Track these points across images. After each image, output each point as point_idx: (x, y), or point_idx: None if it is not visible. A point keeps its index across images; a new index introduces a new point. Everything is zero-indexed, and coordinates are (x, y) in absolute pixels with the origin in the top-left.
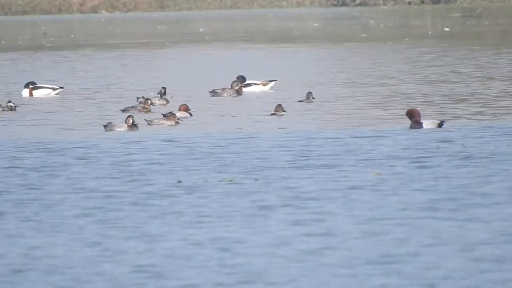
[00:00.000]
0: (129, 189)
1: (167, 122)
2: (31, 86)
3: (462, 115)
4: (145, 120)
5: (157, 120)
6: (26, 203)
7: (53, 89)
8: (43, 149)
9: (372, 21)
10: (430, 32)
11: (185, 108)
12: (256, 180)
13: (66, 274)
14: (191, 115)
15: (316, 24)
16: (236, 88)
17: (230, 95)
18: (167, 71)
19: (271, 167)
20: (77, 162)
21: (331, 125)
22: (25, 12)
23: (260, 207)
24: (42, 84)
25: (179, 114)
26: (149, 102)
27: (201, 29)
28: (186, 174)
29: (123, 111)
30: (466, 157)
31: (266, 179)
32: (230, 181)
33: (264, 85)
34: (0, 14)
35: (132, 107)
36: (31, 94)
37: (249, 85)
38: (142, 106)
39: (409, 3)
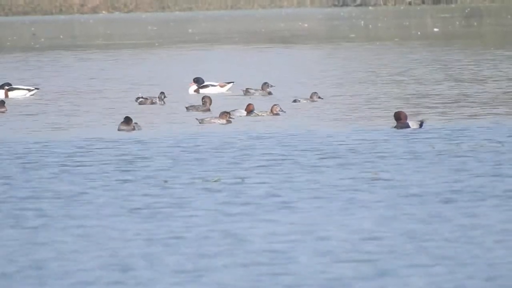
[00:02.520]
0: (109, 188)
1: (219, 121)
2: (6, 87)
3: (447, 115)
4: (197, 119)
5: (208, 119)
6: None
7: (29, 90)
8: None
9: (362, 22)
10: (419, 33)
11: (251, 109)
12: (242, 180)
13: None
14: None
15: (306, 25)
16: (267, 89)
17: (260, 94)
18: (148, 71)
19: (265, 166)
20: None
21: (316, 126)
22: (25, 13)
23: (248, 205)
24: (17, 85)
25: (239, 113)
26: (208, 100)
27: (190, 30)
28: (180, 173)
29: (187, 108)
30: (459, 156)
31: (260, 178)
32: (216, 181)
33: (221, 86)
34: (1, 14)
35: (192, 106)
36: (6, 95)
37: (206, 86)
38: (203, 105)
39: (410, 3)
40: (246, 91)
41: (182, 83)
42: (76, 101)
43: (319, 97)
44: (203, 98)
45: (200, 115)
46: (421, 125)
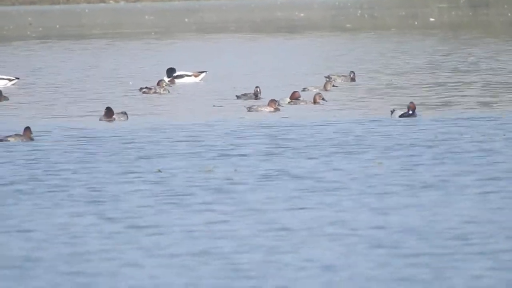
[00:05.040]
0: (101, 175)
1: (267, 109)
2: None
3: (447, 104)
4: (245, 106)
5: (256, 107)
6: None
7: (9, 80)
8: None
9: (359, 11)
10: (415, 23)
11: (296, 96)
12: (235, 170)
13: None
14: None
15: (302, 15)
16: (351, 76)
17: (343, 81)
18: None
19: (271, 154)
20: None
21: (318, 115)
22: (32, 3)
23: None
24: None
25: (284, 101)
26: (259, 90)
27: (186, 20)
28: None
29: (238, 97)
30: (460, 146)
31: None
32: (209, 171)
33: (195, 76)
34: (8, 4)
35: (244, 94)
36: None
37: (181, 76)
38: (254, 94)
39: None
40: (328, 78)
41: (157, 73)
42: (57, 91)
43: (334, 85)
44: (256, 87)
45: (249, 103)
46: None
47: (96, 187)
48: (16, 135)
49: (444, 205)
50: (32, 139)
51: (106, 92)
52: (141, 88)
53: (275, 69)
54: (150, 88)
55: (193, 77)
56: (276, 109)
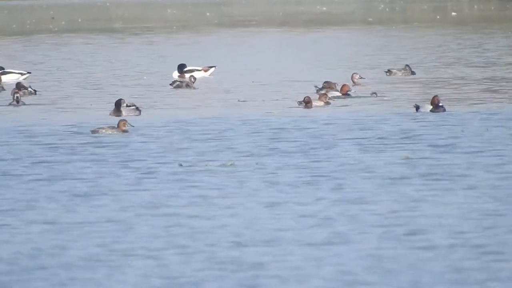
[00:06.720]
0: (120, 173)
1: (317, 103)
2: None
3: (477, 99)
4: (296, 101)
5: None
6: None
7: (21, 74)
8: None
9: (382, 5)
10: (438, 17)
11: (346, 90)
12: (256, 163)
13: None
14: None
15: (324, 8)
16: (410, 69)
17: (403, 74)
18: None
19: (294, 148)
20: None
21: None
22: None
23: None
24: (10, 69)
25: (332, 94)
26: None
27: (208, 14)
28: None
29: (319, 88)
30: (489, 140)
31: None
32: (231, 164)
33: (205, 71)
34: None
35: (327, 82)
36: None
37: (191, 71)
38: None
39: None
40: (389, 72)
41: (168, 69)
42: (78, 85)
43: (361, 77)
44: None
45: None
46: (417, 109)
47: (115, 180)
48: (109, 127)
49: (471, 200)
50: (126, 131)
51: (122, 86)
52: (174, 81)
53: (300, 64)
54: (182, 82)
55: (202, 71)
56: (327, 103)
